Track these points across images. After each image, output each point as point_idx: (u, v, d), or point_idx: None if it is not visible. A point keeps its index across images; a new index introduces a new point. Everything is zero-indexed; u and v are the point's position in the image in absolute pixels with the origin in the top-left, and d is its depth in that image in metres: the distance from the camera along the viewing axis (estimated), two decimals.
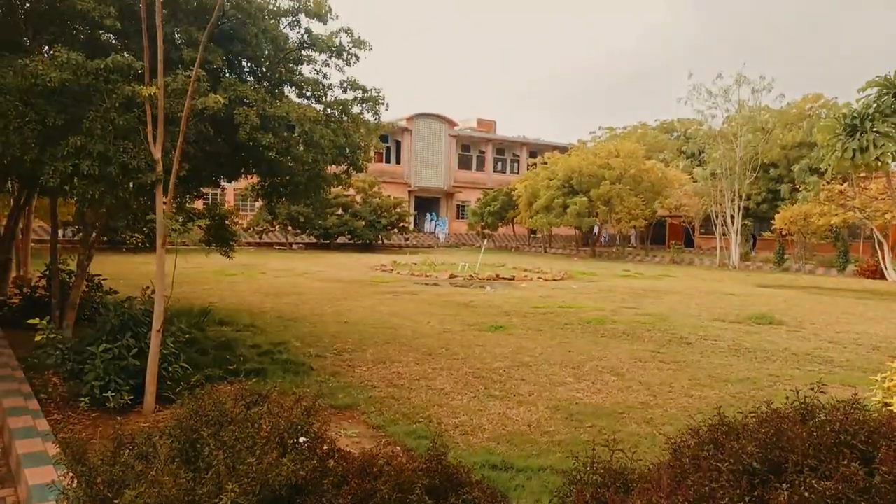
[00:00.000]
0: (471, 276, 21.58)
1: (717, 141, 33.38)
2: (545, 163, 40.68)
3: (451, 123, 52.05)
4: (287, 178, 8.14)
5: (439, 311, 12.98)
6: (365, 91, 8.12)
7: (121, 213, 8.11)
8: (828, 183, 27.75)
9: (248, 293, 14.76)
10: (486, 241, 37.62)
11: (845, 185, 26.37)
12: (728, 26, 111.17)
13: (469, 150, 54.13)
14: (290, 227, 35.78)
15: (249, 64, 7.88)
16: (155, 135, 5.65)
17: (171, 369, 6.04)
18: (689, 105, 34.42)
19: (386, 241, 39.94)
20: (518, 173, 52.11)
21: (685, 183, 37.93)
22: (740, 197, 32.92)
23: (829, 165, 4.29)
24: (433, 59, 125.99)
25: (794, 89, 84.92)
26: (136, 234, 9.71)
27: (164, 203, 5.69)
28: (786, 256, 31.77)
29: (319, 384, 6.79)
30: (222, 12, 6.63)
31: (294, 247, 37.24)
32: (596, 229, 43.17)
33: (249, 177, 9.36)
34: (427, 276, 21.14)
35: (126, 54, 5.85)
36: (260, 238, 36.02)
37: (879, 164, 3.91)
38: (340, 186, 9.78)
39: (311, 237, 37.03)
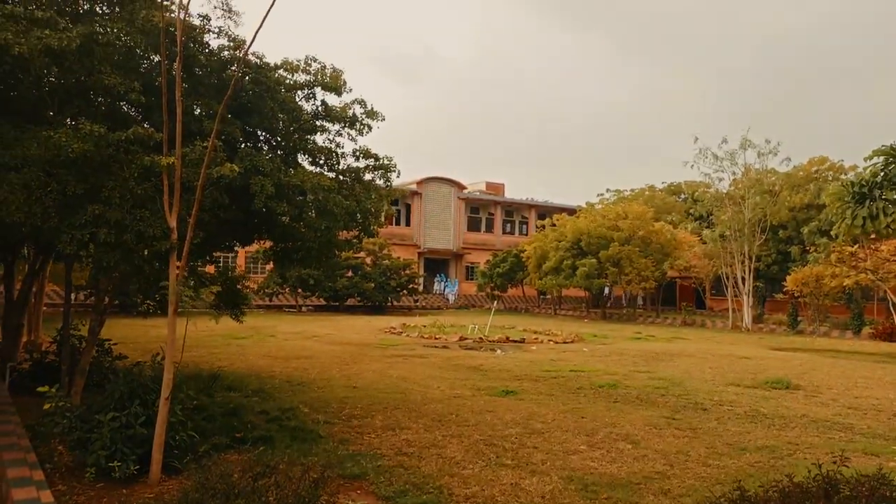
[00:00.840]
0: (481, 338, 21.42)
1: (724, 203, 33.57)
2: (554, 225, 40.94)
3: (460, 186, 52.78)
4: (299, 243, 8.25)
5: (449, 374, 12.84)
6: (377, 159, 8.32)
7: (134, 279, 8.19)
8: (838, 245, 27.70)
9: (257, 357, 14.69)
10: (496, 302, 37.48)
11: (856, 246, 26.29)
12: (731, 93, 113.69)
13: (478, 212, 54.66)
14: (299, 290, 35.88)
15: (265, 134, 8.11)
16: (171, 203, 5.78)
17: (178, 438, 5.97)
18: (696, 168, 34.85)
19: (396, 303, 39.88)
20: (527, 235, 52.40)
21: (694, 245, 37.97)
22: (750, 258, 32.85)
23: (841, 232, 4.32)
24: (445, 121, 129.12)
25: (799, 152, 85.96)
26: (149, 301, 9.77)
27: (178, 269, 5.77)
28: (799, 318, 31.40)
29: (327, 452, 6.68)
30: (240, 86, 6.88)
31: (304, 309, 37.24)
32: (606, 291, 42.99)
33: (262, 242, 9.50)
34: (437, 339, 21.00)
35: (147, 125, 6.05)
36: (270, 300, 36.08)
37: (891, 231, 3.94)
38: (351, 250, 9.89)
39: (321, 299, 37.06)
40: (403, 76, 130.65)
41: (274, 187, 6.66)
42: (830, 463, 3.45)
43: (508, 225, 56.48)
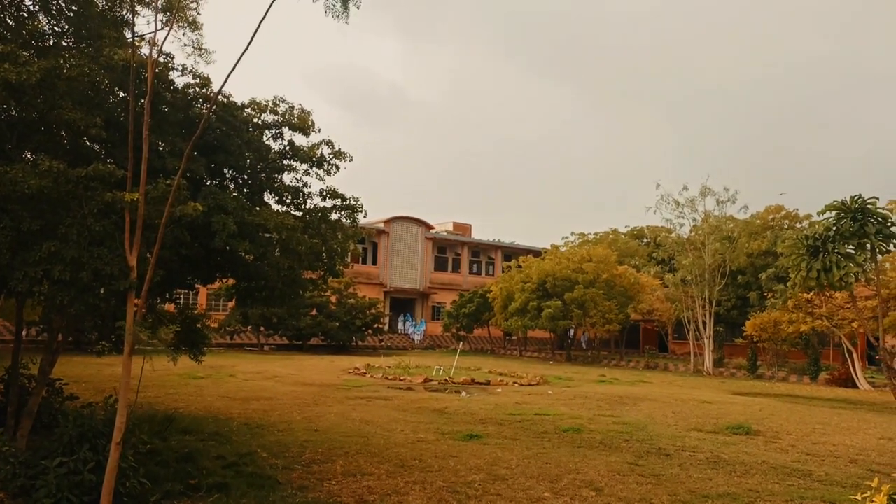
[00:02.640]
0: (446, 380, 21.22)
1: (685, 248, 34.34)
2: (520, 266, 41.25)
3: (428, 226, 53.00)
4: (263, 282, 8.14)
5: (413, 418, 12.65)
6: (344, 199, 8.33)
7: (89, 318, 7.95)
8: (794, 292, 28.43)
9: (215, 398, 14.28)
10: (461, 343, 37.36)
11: (812, 293, 27.05)
12: (694, 144, 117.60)
13: (445, 252, 54.84)
14: (262, 328, 35.23)
15: (231, 172, 8.07)
16: (132, 241, 5.66)
17: (128, 485, 5.72)
18: (658, 213, 35.80)
19: (361, 343, 39.41)
20: (493, 276, 52.65)
21: (657, 288, 38.60)
22: (711, 303, 33.49)
23: (797, 283, 4.45)
24: (415, 162, 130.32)
25: (757, 201, 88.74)
26: (104, 342, 9.46)
27: (137, 308, 5.62)
28: (758, 363, 31.95)
29: (285, 500, 6.47)
30: (207, 124, 6.86)
31: (266, 348, 36.51)
32: (571, 333, 43.23)
33: (225, 279, 9.34)
34: (401, 380, 20.73)
35: (109, 162, 5.96)
36: (231, 339, 35.29)
37: (843, 284, 4.06)
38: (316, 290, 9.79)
39: (284, 338, 36.41)
40: (374, 117, 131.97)
41: (237, 225, 6.59)
42: None
43: (475, 265, 56.73)
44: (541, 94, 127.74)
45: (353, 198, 8.36)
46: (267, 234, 7.63)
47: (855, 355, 27.01)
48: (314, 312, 35.93)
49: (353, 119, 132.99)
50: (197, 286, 10.42)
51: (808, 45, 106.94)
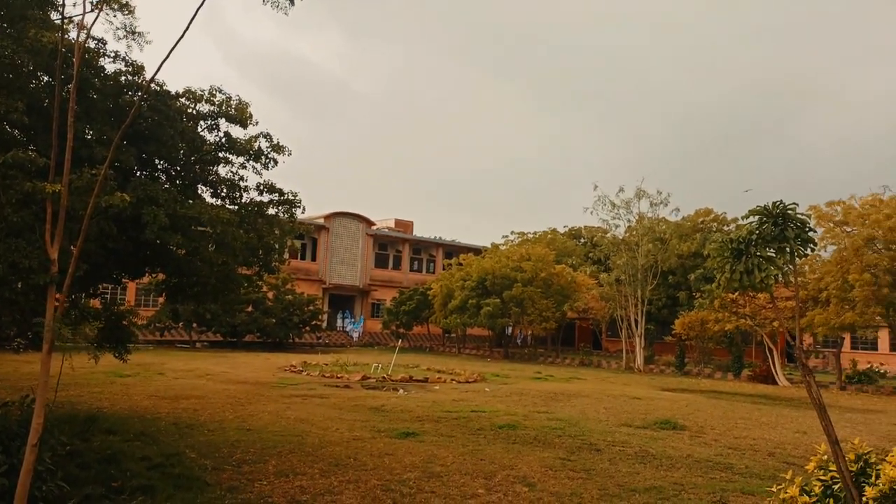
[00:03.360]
0: (384, 377, 21.15)
1: (620, 249, 35.32)
2: (460, 264, 41.52)
3: (369, 223, 52.64)
4: (195, 278, 7.90)
5: (349, 416, 12.55)
6: (282, 194, 8.17)
7: (6, 313, 7.54)
8: (719, 293, 29.69)
9: (142, 397, 13.78)
10: (400, 340, 37.27)
11: (736, 294, 28.31)
12: (632, 147, 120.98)
13: (386, 248, 54.61)
14: (194, 325, 34.18)
15: (163, 163, 7.80)
16: (53, 233, 5.40)
17: (45, 489, 5.45)
18: (595, 214, 36.68)
19: (297, 340, 38.81)
20: (434, 273, 52.78)
21: (592, 287, 39.57)
22: (643, 302, 34.58)
23: (721, 285, 4.66)
24: (356, 158, 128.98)
25: (688, 204, 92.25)
26: (19, 340, 8.99)
27: (58, 303, 5.36)
28: (686, 360, 33.22)
29: (214, 502, 6.31)
30: (139, 113, 6.60)
31: (198, 345, 35.48)
32: (509, 330, 43.82)
33: (155, 274, 9.03)
34: (338, 378, 20.54)
35: (31, 149, 5.66)
36: (161, 335, 34.10)
37: (764, 285, 4.26)
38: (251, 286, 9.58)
39: (218, 335, 35.46)
40: (316, 110, 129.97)
41: (168, 218, 6.37)
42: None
43: (416, 263, 56.73)
44: (485, 92, 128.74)
45: (292, 192, 8.22)
46: (200, 228, 7.41)
47: (775, 353, 28.43)
48: (250, 309, 35.15)
49: (294, 112, 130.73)
50: (125, 281, 10.03)
51: (742, 59, 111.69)
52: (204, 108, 7.70)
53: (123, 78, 7.22)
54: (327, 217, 49.40)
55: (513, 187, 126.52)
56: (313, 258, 49.35)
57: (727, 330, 29.53)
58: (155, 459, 7.89)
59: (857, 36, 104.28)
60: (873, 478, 4.62)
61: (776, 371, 28.00)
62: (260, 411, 12.57)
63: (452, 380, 21.92)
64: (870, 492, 4.31)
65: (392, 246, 54.96)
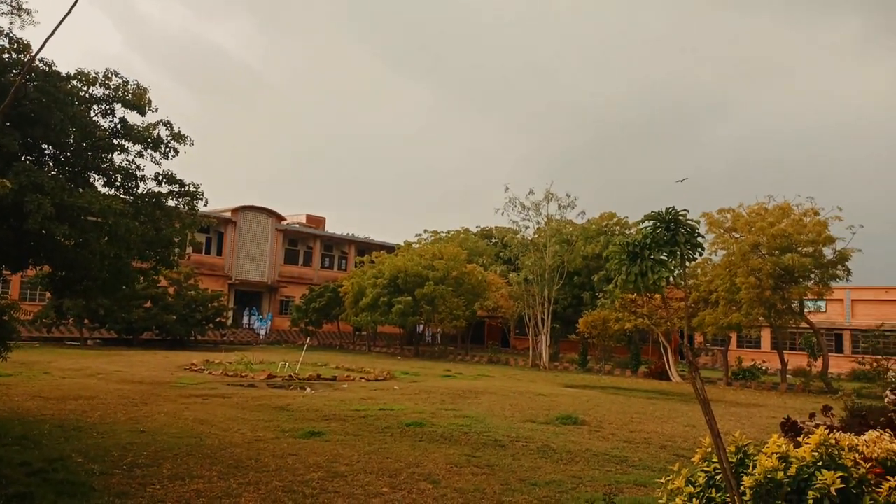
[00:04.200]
0: (291, 376, 20.70)
1: (529, 249, 36.25)
2: (373, 262, 41.27)
3: (279, 217, 51.30)
4: (84, 272, 7.41)
5: (252, 416, 12.18)
6: (183, 185, 7.82)
7: None
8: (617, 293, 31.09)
9: (24, 398, 12.80)
10: (309, 338, 36.58)
11: (635, 294, 29.71)
12: (543, 150, 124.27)
13: (297, 244, 53.42)
14: (86, 321, 32.13)
15: (51, 148, 7.27)
16: None
17: None
18: (506, 215, 37.59)
19: (200, 338, 37.30)
20: (346, 270, 52.17)
21: (502, 287, 40.40)
22: (549, 301, 35.65)
23: (618, 286, 4.93)
24: (268, 152, 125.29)
25: (594, 207, 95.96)
26: None
27: None
28: (588, 358, 34.57)
29: None
30: (23, 93, 6.12)
31: (90, 343, 33.38)
32: (420, 328, 43.99)
33: (41, 267, 8.41)
34: (243, 377, 19.90)
35: None
36: (48, 332, 31.83)
37: (656, 287, 4.54)
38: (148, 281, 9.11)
39: (112, 332, 33.51)
40: (225, 100, 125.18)
41: (55, 207, 5.95)
42: (600, 499, 3.82)
43: (328, 259, 55.85)
44: (400, 90, 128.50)
45: (193, 184, 7.87)
46: (91, 219, 6.95)
47: (669, 351, 30.09)
48: (148, 304, 33.43)
49: (203, 101, 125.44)
50: (6, 273, 9.29)
51: (648, 68, 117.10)
52: (98, 91, 7.23)
53: (7, 56, 6.67)
54: (234, 211, 47.74)
55: (427, 186, 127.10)
56: (219, 253, 47.57)
57: (626, 329, 30.97)
58: (36, 465, 7.35)
59: (753, 49, 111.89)
60: (751, 468, 4.97)
61: (670, 368, 29.63)
62: (156, 412, 11.98)
63: (362, 378, 21.76)
64: (747, 481, 4.62)
65: (303, 242, 53.85)
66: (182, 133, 7.41)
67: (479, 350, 43.33)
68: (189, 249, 9.15)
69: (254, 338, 44.54)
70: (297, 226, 54.23)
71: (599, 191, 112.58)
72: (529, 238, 36.88)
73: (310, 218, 57.48)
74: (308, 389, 17.65)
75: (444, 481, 7.85)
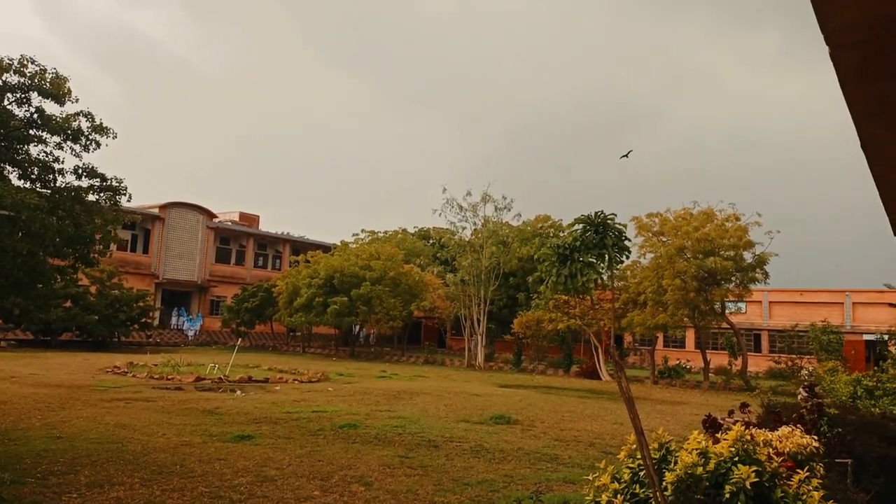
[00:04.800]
0: (220, 378, 20.12)
1: (466, 250, 36.52)
2: (308, 261, 40.63)
3: (211, 215, 49.80)
4: None
5: (178, 420, 11.77)
6: (104, 179, 7.47)
7: None
8: (548, 294, 31.79)
9: None
10: (240, 339, 35.67)
11: (567, 295, 30.41)
12: (486, 151, 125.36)
13: (229, 243, 51.99)
14: None
15: None
16: None
17: None
18: (444, 216, 37.80)
19: (124, 339, 35.83)
20: (280, 270, 51.15)
21: (438, 287, 40.54)
22: (485, 302, 36.02)
23: (549, 288, 5.03)
24: (201, 147, 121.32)
25: (530, 209, 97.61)
26: None
27: None
28: (522, 357, 35.12)
29: None
30: None
31: (3, 344, 31.49)
32: (356, 329, 43.60)
33: None
34: (169, 379, 19.21)
35: None
36: None
37: (585, 288, 4.66)
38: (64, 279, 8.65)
39: (28, 333, 31.73)
40: (156, 91, 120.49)
41: None
42: (527, 497, 3.89)
43: (261, 258, 54.61)
44: (337, 85, 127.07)
45: (116, 178, 7.52)
46: (2, 213, 6.56)
47: (600, 350, 30.90)
48: (68, 304, 31.81)
49: (131, 92, 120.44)
50: None
51: (584, 74, 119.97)
52: (12, 79, 6.82)
53: None
54: (163, 207, 46.05)
55: (365, 185, 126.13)
56: (145, 251, 45.77)
57: (560, 329, 31.63)
58: None
59: (684, 59, 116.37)
60: (672, 464, 5.15)
61: (600, 367, 30.43)
62: (74, 417, 11.41)
63: (295, 380, 21.39)
64: (669, 477, 4.79)
65: (235, 240, 52.46)
66: (104, 125, 7.08)
67: (416, 351, 43.33)
68: (113, 247, 8.74)
69: (182, 339, 43.07)
70: (230, 223, 52.81)
71: (535, 193, 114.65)
72: (466, 239, 37.16)
73: (243, 216, 56.08)
74: (238, 392, 17.21)
75: (377, 483, 7.80)
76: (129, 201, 7.65)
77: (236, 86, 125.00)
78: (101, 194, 7.40)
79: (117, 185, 7.44)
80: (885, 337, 35.12)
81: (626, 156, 7.49)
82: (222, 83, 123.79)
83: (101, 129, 7.08)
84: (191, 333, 44.04)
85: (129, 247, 44.42)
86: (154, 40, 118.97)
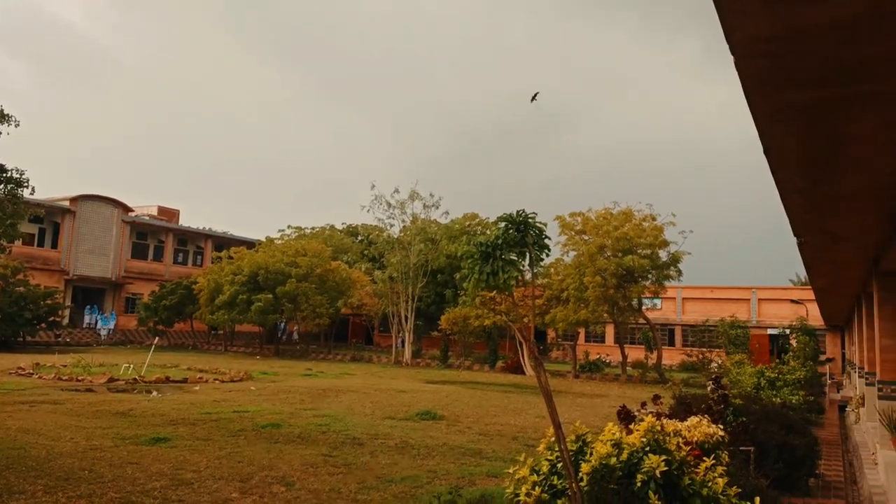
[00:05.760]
0: (135, 379, 19.26)
1: (394, 247, 36.45)
2: (231, 257, 39.47)
3: (126, 208, 47.49)
4: None
5: (89, 423, 11.20)
6: (4, 171, 6.98)
7: None
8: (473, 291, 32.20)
9: None
10: (157, 338, 34.25)
11: (494, 292, 30.86)
12: (409, 146, 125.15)
13: (146, 238, 49.76)
14: None
15: None
16: None
17: None
18: (372, 213, 37.61)
19: (31, 339, 33.69)
20: (202, 266, 49.41)
21: (366, 284, 40.27)
22: (413, 299, 36.06)
23: (471, 285, 5.11)
24: (117, 138, 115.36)
25: (458, 207, 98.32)
26: None
27: None
28: (449, 353, 35.40)
29: None
30: None
31: None
32: (282, 327, 42.72)
33: None
34: (79, 381, 18.22)
35: None
36: None
37: (506, 285, 4.78)
38: None
39: None
40: (69, 78, 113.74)
41: None
42: (447, 492, 3.94)
43: (181, 255, 52.58)
44: (266, 79, 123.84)
45: (17, 169, 7.04)
46: None
47: (524, 346, 31.52)
48: None
49: (41, 78, 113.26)
50: None
51: (515, 75, 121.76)
52: None
53: None
54: (73, 200, 43.56)
55: (293, 183, 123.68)
56: (54, 245, 43.19)
57: (486, 325, 32.07)
58: None
59: (611, 63, 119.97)
60: (588, 455, 5.33)
61: (524, 362, 31.06)
62: None
63: (216, 379, 20.75)
64: (585, 467, 4.95)
65: (153, 235, 50.28)
66: (5, 112, 6.61)
67: (343, 348, 42.88)
68: (18, 242, 8.19)
69: (95, 339, 40.93)
70: (147, 218, 50.56)
71: (466, 193, 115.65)
72: (395, 236, 37.08)
73: (162, 210, 53.81)
74: (155, 393, 16.55)
75: (299, 483, 7.68)
76: (31, 194, 7.18)
77: (155, 74, 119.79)
78: (1, 186, 6.93)
79: (18, 176, 6.96)
80: (787, 331, 37.54)
81: (534, 98, 7.64)
82: (141, 70, 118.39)
83: (1, 117, 6.61)
84: (104, 333, 41.93)
85: (36, 241, 41.81)
86: (67, 22, 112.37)
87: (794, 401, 14.43)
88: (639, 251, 28.27)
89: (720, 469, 4.95)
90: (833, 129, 4.49)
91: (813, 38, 3.23)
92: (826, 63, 3.51)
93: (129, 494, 6.85)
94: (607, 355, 37.83)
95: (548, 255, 5.41)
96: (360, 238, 53.89)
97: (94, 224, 44.91)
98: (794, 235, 8.45)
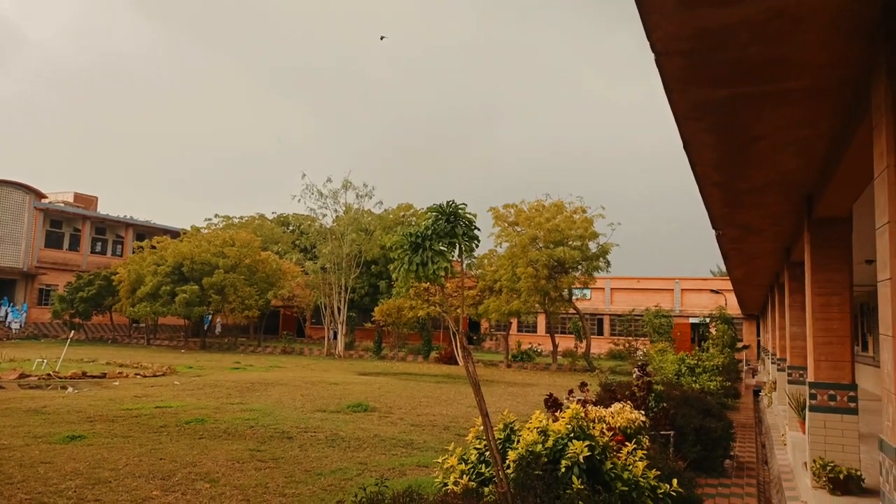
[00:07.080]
0: (49, 374, 18.29)
1: (327, 238, 35.92)
2: (154, 247, 37.95)
3: (39, 195, 44.85)
4: None
5: None
6: None
7: None
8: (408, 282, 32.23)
9: None
10: (73, 332, 32.60)
11: (425, 283, 30.96)
12: (341, 136, 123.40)
13: (61, 226, 47.15)
14: None
15: None
16: None
17: None
18: (303, 203, 36.93)
19: None
20: (122, 256, 47.31)
21: (298, 275, 39.56)
22: (346, 290, 35.69)
23: (400, 276, 5.09)
24: (28, 118, 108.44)
25: (394, 198, 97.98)
26: None
27: None
28: (383, 345, 35.27)
29: None
30: None
31: None
32: (208, 319, 41.44)
33: None
34: None
35: None
36: None
37: (435, 276, 4.77)
38: None
39: None
40: None
41: None
42: (373, 484, 3.91)
43: (99, 244, 50.12)
44: (195, 61, 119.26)
45: None
46: None
47: (458, 336, 31.84)
48: None
49: None
50: None
51: (453, 73, 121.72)
52: None
53: None
54: None
55: (225, 174, 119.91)
56: None
57: (420, 316, 32.12)
58: None
59: (547, 60, 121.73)
60: (515, 443, 5.42)
61: (458, 353, 31.31)
62: None
63: (137, 374, 19.95)
64: (511, 455, 5.03)
65: (69, 223, 47.70)
66: None
67: (273, 341, 42.03)
68: None
69: (5, 332, 38.57)
70: (62, 205, 47.89)
71: (403, 186, 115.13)
72: (327, 226, 36.56)
73: (78, 196, 51.09)
74: (70, 389, 15.76)
75: (224, 479, 7.48)
76: None
77: (74, 54, 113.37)
78: None
79: None
80: (707, 320, 39.32)
81: (382, 38, 7.77)
82: (57, 49, 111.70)
83: None
84: (15, 326, 39.58)
85: None
86: None
87: (712, 386, 15.14)
88: (570, 243, 28.94)
89: (640, 453, 5.13)
90: (744, 126, 4.71)
91: (724, 38, 3.36)
92: (737, 62, 3.67)
93: (41, 495, 6.49)
94: (539, 345, 38.62)
95: (478, 247, 5.44)
96: (291, 228, 52.86)
97: (4, 211, 42.26)
98: (713, 228, 8.84)
